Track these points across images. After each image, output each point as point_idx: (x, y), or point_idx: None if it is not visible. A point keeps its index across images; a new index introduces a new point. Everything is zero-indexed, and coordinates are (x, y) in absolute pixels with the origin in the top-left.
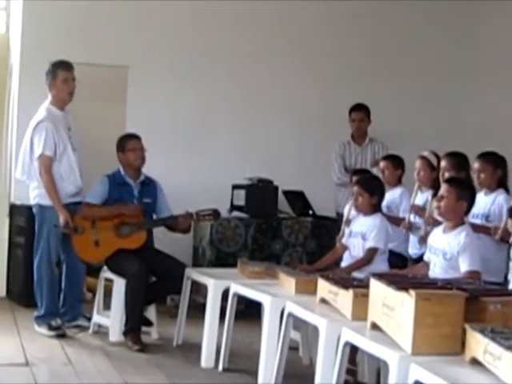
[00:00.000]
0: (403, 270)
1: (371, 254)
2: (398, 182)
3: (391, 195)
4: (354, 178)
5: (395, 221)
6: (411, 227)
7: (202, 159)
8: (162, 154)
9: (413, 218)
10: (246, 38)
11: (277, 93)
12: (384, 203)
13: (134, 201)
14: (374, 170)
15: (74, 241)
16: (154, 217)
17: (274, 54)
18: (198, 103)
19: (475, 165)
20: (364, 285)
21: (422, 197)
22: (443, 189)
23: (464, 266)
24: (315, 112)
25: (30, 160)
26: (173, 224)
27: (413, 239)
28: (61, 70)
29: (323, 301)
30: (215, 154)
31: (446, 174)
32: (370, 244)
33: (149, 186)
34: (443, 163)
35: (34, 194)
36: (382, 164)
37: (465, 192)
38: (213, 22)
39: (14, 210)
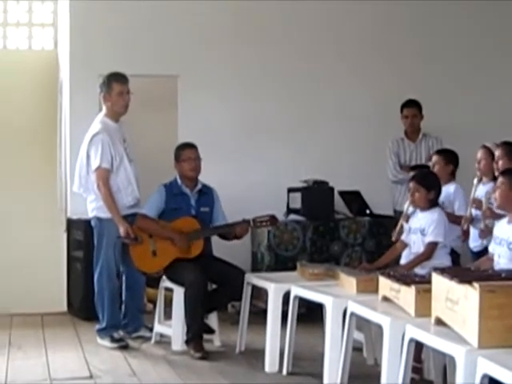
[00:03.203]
0: (467, 266)
1: (431, 248)
2: (450, 176)
3: (445, 191)
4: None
5: (450, 217)
6: (472, 220)
7: (256, 164)
8: (215, 161)
9: (474, 211)
10: (296, 44)
11: (328, 93)
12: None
13: (192, 210)
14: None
15: (132, 251)
16: (210, 225)
17: (323, 55)
18: (248, 109)
19: None
20: (426, 280)
21: (483, 189)
22: (498, 181)
23: None
24: (367, 110)
25: (86, 173)
26: (228, 232)
27: (473, 232)
28: (116, 83)
29: (385, 299)
30: (269, 158)
31: (500, 162)
32: (429, 238)
33: (206, 194)
34: (497, 152)
35: (92, 207)
36: (433, 158)
37: None
38: (260, 31)
39: (71, 224)
